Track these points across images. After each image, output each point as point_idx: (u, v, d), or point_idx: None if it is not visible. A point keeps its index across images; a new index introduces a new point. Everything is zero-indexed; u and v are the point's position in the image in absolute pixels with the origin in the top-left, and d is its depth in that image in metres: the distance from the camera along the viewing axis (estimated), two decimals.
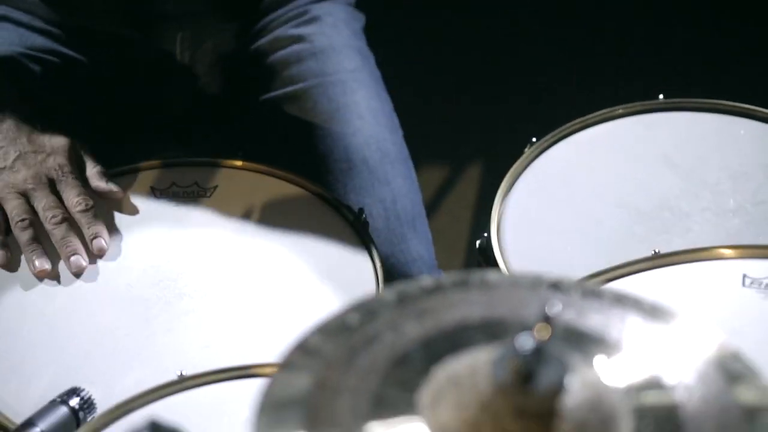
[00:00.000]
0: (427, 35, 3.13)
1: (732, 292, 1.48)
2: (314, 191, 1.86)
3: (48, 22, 2.05)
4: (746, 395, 1.00)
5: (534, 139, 1.95)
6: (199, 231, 1.81)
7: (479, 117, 2.93)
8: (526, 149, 1.94)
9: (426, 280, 1.10)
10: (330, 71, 2.02)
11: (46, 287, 1.73)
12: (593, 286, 1.10)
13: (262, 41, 2.08)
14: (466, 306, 1.07)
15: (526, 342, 0.93)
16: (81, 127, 2.00)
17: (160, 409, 1.44)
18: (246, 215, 1.82)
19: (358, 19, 2.14)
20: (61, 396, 1.51)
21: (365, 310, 1.08)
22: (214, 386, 1.48)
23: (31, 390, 1.59)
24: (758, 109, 1.94)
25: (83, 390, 1.52)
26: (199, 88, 2.07)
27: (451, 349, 1.02)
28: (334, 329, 1.05)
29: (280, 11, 2.09)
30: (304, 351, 1.04)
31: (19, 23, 2.05)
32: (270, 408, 0.98)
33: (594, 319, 1.06)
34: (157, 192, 1.86)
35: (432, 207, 2.97)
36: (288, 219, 1.81)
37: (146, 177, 1.88)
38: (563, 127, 1.97)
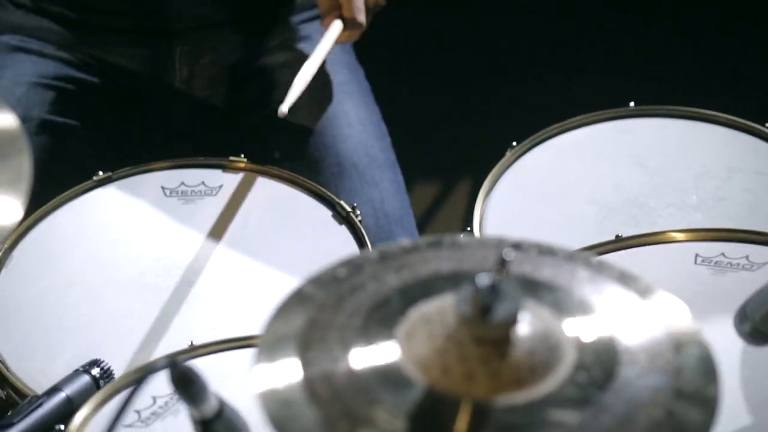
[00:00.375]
0: (416, 48, 3.33)
1: (686, 269, 1.68)
2: (311, 189, 2.07)
3: (60, 47, 2.27)
4: (675, 330, 1.20)
5: (514, 143, 2.15)
6: (206, 225, 2.01)
7: (467, 129, 3.14)
8: (507, 152, 2.15)
9: (404, 242, 1.31)
10: (320, 84, 2.24)
11: (69, 275, 1.93)
12: (548, 245, 1.30)
13: (258, 57, 2.31)
14: (438, 261, 1.27)
15: (484, 280, 1.14)
16: (94, 138, 2.24)
17: None
18: (248, 211, 2.04)
19: None
20: (83, 366, 1.72)
21: (352, 265, 1.28)
22: (221, 354, 1.69)
23: (56, 364, 1.79)
24: (720, 115, 2.14)
25: (103, 361, 1.72)
26: (200, 99, 2.30)
27: (424, 295, 1.22)
28: (325, 280, 1.26)
29: (275, 30, 2.31)
30: (299, 297, 1.24)
31: (31, 52, 2.27)
32: (269, 340, 1.18)
33: (547, 271, 1.26)
34: (167, 190, 2.07)
35: (424, 222, 3.17)
36: (287, 215, 2.02)
37: (157, 177, 2.09)
38: (542, 131, 2.18)
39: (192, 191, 2.08)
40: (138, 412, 1.59)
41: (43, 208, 2.02)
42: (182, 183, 2.09)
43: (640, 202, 2.05)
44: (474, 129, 3.12)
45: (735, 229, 1.76)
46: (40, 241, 2.00)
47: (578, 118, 2.20)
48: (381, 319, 1.20)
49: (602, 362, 1.16)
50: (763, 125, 2.13)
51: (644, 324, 1.21)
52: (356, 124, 2.25)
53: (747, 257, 1.68)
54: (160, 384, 1.64)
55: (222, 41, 2.30)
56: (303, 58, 2.17)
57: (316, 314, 1.22)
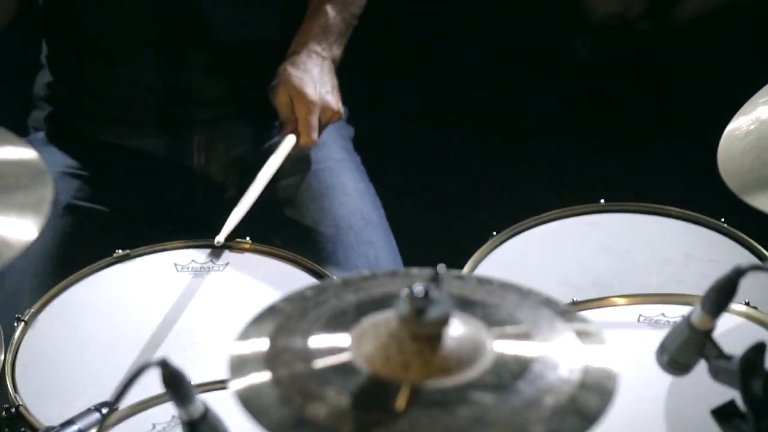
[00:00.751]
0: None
1: (630, 325, 1.93)
2: (310, 268, 2.34)
3: (87, 139, 2.61)
4: (585, 336, 1.45)
5: (494, 233, 2.42)
6: (212, 296, 2.29)
7: (453, 217, 3.43)
8: (488, 241, 2.41)
9: (365, 271, 1.57)
10: (320, 160, 2.55)
11: (86, 336, 2.20)
12: (485, 277, 1.56)
13: (265, 146, 2.62)
14: (391, 285, 1.54)
15: (419, 288, 1.40)
16: (115, 219, 2.54)
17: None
18: (250, 283, 2.31)
19: (347, 128, 2.70)
20: (95, 405, 1.97)
21: (318, 288, 1.55)
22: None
23: (70, 410, 2.04)
24: (675, 210, 2.41)
25: (113, 403, 1.98)
26: (215, 183, 2.61)
27: (375, 309, 1.48)
28: (295, 298, 1.53)
29: (278, 122, 2.63)
30: (271, 310, 1.51)
31: (61, 145, 2.61)
32: (243, 340, 1.45)
33: (482, 294, 1.52)
34: (179, 266, 2.35)
35: None
36: (285, 285, 2.29)
37: (171, 255, 2.38)
38: (520, 223, 2.45)
39: (201, 267, 2.35)
40: None
41: (67, 280, 2.31)
42: (192, 260, 2.37)
43: (605, 283, 2.31)
44: (459, 217, 3.40)
45: (674, 293, 2.01)
46: (62, 307, 2.27)
47: (553, 212, 2.47)
48: (337, 325, 1.46)
49: (519, 359, 1.42)
50: (719, 220, 2.39)
51: (560, 333, 1.46)
52: (353, 193, 2.56)
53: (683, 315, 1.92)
54: (160, 412, 1.91)
55: (234, 132, 2.62)
56: (303, 148, 2.51)
57: (284, 322, 1.48)
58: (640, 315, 1.94)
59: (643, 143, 3.59)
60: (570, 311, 1.51)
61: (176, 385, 1.57)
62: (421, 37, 3.70)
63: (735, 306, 1.94)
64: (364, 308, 1.49)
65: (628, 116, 3.75)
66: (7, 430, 2.05)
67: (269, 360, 1.42)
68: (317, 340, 1.44)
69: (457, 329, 1.43)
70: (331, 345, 1.43)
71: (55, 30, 2.65)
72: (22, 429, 2.03)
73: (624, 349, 1.88)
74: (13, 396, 2.08)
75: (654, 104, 3.74)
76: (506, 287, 1.55)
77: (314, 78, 2.54)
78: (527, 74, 3.79)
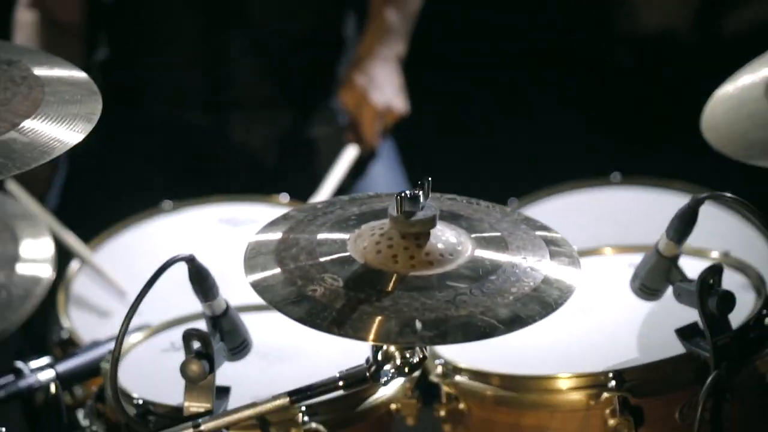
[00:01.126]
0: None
1: (621, 271, 2.14)
2: None
3: (148, 111, 2.92)
4: (556, 245, 1.70)
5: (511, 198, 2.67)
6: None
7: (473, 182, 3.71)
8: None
9: (370, 193, 1.83)
10: None
11: (132, 272, 2.47)
12: (475, 199, 1.81)
13: (302, 129, 2.91)
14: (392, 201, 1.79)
15: (409, 192, 1.65)
16: (166, 178, 2.84)
17: None
18: None
19: None
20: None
21: (327, 202, 1.81)
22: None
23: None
24: (679, 183, 2.63)
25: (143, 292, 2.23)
26: (254, 160, 2.90)
27: (374, 219, 1.73)
28: (306, 209, 1.79)
29: (317, 107, 2.91)
30: (284, 217, 1.77)
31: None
32: (259, 237, 1.71)
33: (469, 211, 1.77)
34: (221, 219, 2.62)
35: None
36: None
37: (214, 208, 2.65)
38: (534, 193, 2.69)
39: (241, 220, 2.62)
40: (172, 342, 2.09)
41: (117, 225, 2.59)
42: (234, 216, 2.64)
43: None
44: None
45: None
46: (113, 249, 2.57)
47: (567, 183, 2.71)
48: (340, 229, 1.72)
49: (492, 260, 1.66)
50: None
51: (533, 244, 1.71)
52: (382, 183, 2.82)
53: None
54: (178, 332, 2.14)
55: (272, 112, 2.91)
56: (340, 130, 2.78)
57: (294, 225, 1.74)
58: (630, 263, 2.15)
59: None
60: (546, 228, 1.76)
61: (201, 281, 1.83)
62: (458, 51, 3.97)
63: (713, 254, 2.16)
64: (365, 218, 1.75)
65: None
66: (59, 349, 2.34)
67: (278, 251, 1.68)
68: (321, 239, 1.70)
69: (442, 232, 1.68)
70: (332, 242, 1.69)
71: (115, 13, 2.97)
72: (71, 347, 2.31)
73: (606, 283, 2.12)
74: (65, 325, 2.37)
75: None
76: (492, 207, 1.80)
77: (379, 83, 2.83)
78: (563, 76, 4.05)
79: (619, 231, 2.57)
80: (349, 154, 2.80)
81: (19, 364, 2.08)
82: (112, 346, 2.12)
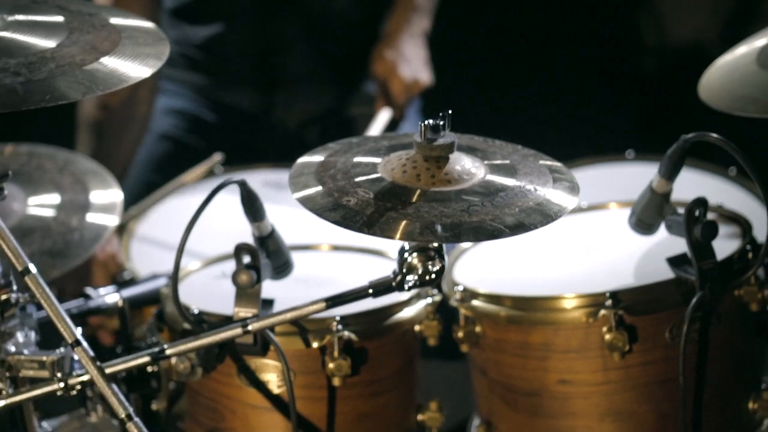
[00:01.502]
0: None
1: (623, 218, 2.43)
2: None
3: (194, 90, 3.27)
4: (560, 177, 2.00)
5: None
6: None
7: None
8: None
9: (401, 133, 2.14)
10: None
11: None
12: (491, 139, 2.12)
13: (341, 108, 3.25)
14: None
15: (431, 121, 1.96)
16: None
17: None
18: None
19: None
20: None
21: (363, 137, 2.12)
22: None
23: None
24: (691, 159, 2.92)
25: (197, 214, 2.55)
26: (294, 135, 3.24)
27: (404, 149, 2.04)
28: (343, 143, 2.10)
29: (355, 88, 3.25)
30: (324, 148, 2.08)
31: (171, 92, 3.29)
32: (301, 162, 2.03)
33: (485, 146, 2.08)
34: (266, 183, 2.94)
35: None
36: None
37: (260, 173, 2.97)
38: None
39: (284, 184, 2.93)
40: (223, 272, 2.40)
41: (166, 187, 2.93)
42: (277, 180, 2.96)
43: None
44: None
45: None
46: (167, 208, 2.90)
47: (586, 158, 3.00)
48: (372, 156, 2.03)
49: (503, 182, 1.97)
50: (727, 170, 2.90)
51: (540, 173, 2.01)
52: None
53: None
54: (230, 264, 2.43)
55: (314, 90, 3.25)
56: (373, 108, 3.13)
57: (332, 153, 2.06)
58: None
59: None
60: (553, 161, 2.06)
61: (251, 203, 2.15)
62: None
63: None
64: (393, 149, 2.05)
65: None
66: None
67: (319, 172, 2.00)
68: (356, 162, 2.01)
69: (459, 158, 1.98)
70: (365, 165, 2.00)
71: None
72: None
73: (610, 229, 2.42)
74: (128, 267, 2.69)
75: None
76: (506, 144, 2.11)
77: (407, 57, 3.14)
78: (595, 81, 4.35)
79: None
80: (383, 116, 3.12)
81: (89, 289, 2.40)
82: (167, 279, 2.45)
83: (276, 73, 3.24)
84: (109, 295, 2.38)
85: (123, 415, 1.96)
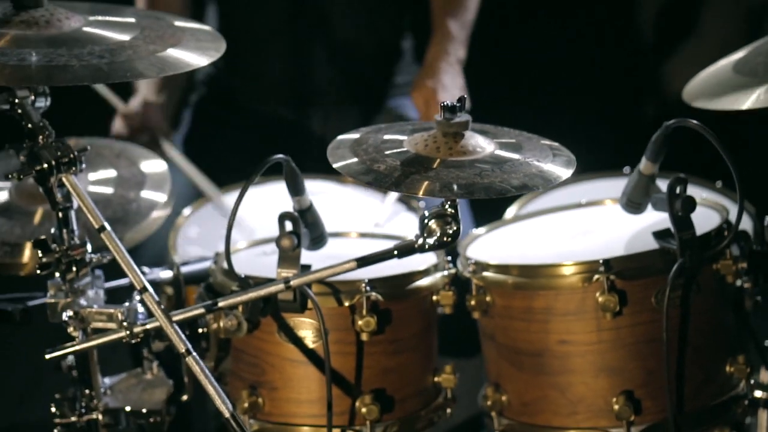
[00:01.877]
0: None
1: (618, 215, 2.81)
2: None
3: (235, 106, 3.70)
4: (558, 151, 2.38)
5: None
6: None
7: None
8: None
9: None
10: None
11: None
12: (503, 127, 2.50)
13: (369, 123, 3.62)
14: None
15: (450, 104, 2.34)
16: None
17: None
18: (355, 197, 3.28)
19: None
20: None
21: (389, 125, 2.51)
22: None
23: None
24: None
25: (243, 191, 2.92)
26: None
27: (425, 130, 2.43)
28: (374, 126, 2.48)
29: (382, 104, 3.64)
30: (356, 131, 2.47)
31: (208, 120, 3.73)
32: (338, 139, 2.41)
33: (497, 132, 2.46)
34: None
35: None
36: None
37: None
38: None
39: (316, 192, 3.30)
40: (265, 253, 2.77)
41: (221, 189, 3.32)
42: (310, 189, 3.32)
43: None
44: None
45: None
46: (210, 209, 3.28)
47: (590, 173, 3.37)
48: (399, 134, 2.41)
49: (511, 156, 2.34)
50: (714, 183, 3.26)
51: (542, 148, 2.39)
52: None
53: None
54: (270, 246, 2.79)
55: (345, 109, 3.64)
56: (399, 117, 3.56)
57: (364, 134, 2.44)
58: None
59: None
60: (555, 145, 2.44)
61: (293, 179, 2.53)
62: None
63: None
64: (417, 131, 2.44)
65: None
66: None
67: (353, 146, 2.38)
68: (386, 138, 2.40)
69: (473, 135, 2.36)
70: (393, 141, 2.38)
71: (216, 25, 3.72)
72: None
73: (605, 218, 2.79)
74: (174, 259, 3.06)
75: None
76: (516, 131, 2.49)
77: (446, 85, 3.51)
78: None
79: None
80: (390, 198, 3.42)
81: (144, 268, 2.77)
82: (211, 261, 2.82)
83: (309, 94, 3.63)
84: (163, 271, 2.75)
85: (183, 350, 2.32)
